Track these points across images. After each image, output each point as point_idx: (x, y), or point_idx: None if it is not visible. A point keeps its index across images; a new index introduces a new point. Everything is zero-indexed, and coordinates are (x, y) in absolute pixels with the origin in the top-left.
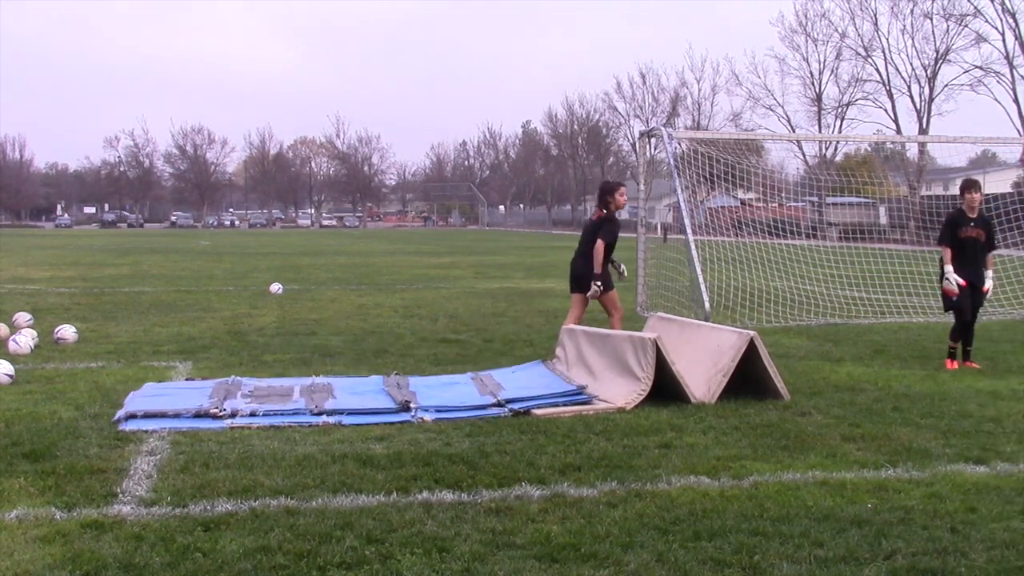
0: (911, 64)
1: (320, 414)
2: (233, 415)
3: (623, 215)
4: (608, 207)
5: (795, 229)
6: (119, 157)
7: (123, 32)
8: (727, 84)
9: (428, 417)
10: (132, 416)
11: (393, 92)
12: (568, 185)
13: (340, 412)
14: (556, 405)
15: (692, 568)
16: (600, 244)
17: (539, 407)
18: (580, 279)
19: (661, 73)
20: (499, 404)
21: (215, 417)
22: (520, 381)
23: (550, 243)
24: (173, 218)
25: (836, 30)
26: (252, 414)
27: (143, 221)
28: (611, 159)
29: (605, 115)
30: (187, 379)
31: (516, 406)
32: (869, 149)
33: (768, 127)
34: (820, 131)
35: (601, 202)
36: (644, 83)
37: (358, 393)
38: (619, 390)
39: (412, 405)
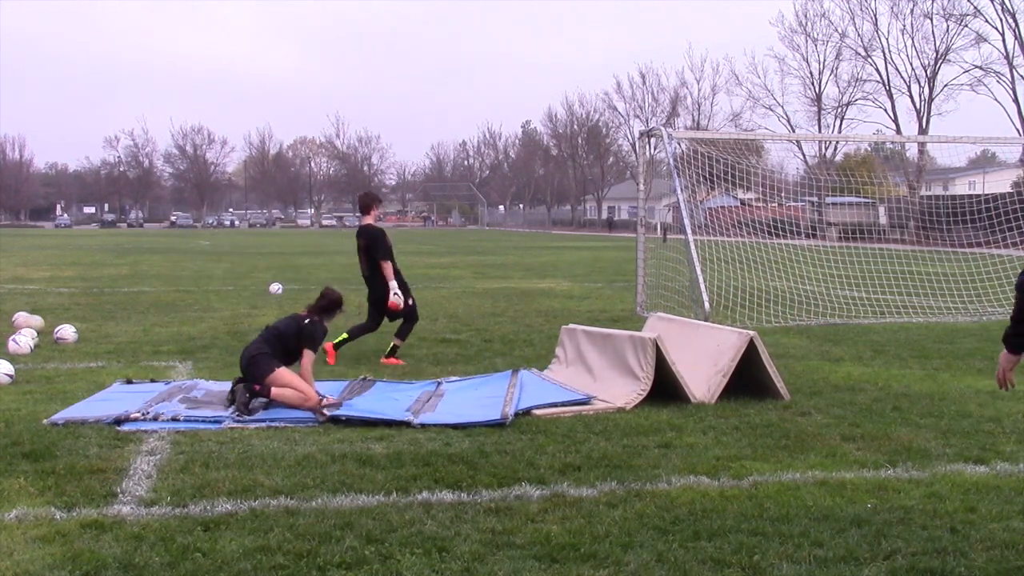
0: (911, 64)
1: (242, 420)
2: (155, 419)
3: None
4: None
5: (795, 229)
6: (119, 157)
7: (123, 32)
8: (727, 84)
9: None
10: (54, 424)
11: (393, 92)
12: (568, 185)
13: (271, 420)
14: (555, 406)
15: (692, 568)
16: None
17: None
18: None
19: (661, 73)
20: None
21: (134, 421)
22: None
23: (550, 243)
24: (173, 218)
25: (836, 30)
26: (174, 419)
27: (143, 221)
28: (611, 159)
29: (605, 115)
30: (164, 381)
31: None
32: (869, 149)
33: (768, 127)
34: (820, 131)
35: None
36: (644, 83)
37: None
38: (619, 390)
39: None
